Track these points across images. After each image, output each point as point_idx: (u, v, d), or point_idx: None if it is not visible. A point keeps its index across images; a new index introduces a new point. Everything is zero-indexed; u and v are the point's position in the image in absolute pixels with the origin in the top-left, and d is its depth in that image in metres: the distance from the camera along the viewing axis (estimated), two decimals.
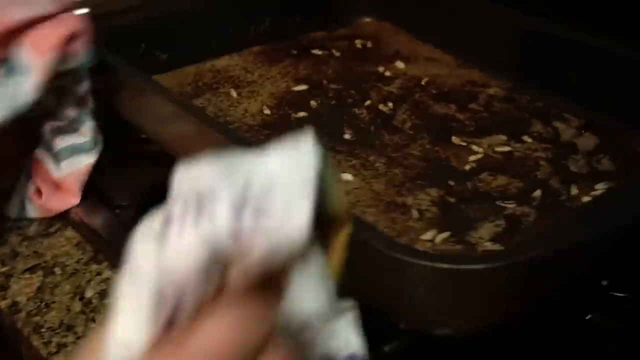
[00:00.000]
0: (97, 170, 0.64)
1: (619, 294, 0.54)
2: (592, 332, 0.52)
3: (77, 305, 0.55)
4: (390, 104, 0.66)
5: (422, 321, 0.45)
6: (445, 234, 0.52)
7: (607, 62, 0.65)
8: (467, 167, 0.59)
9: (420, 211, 0.54)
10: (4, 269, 0.58)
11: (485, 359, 0.50)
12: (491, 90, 0.69)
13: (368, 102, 0.67)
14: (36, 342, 0.52)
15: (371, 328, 0.47)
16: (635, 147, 0.62)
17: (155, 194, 0.60)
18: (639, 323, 0.53)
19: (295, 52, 0.74)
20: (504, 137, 0.62)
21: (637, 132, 0.62)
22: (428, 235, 0.52)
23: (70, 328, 0.53)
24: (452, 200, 0.55)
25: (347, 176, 0.57)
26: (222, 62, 0.72)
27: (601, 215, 0.45)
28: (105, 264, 0.58)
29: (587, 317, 0.53)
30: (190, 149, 0.57)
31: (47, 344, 0.52)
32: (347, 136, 0.62)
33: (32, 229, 0.61)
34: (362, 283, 0.45)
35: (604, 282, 0.54)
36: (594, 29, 0.66)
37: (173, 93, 0.57)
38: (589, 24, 0.66)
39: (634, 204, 0.46)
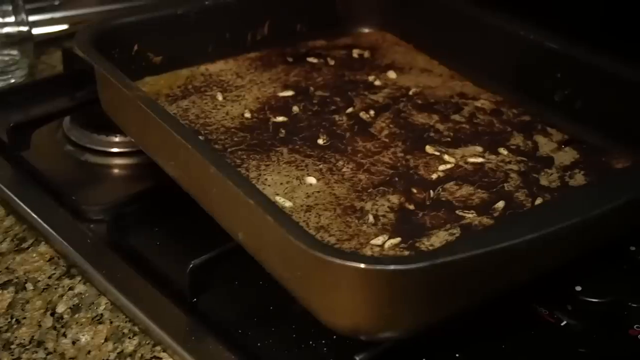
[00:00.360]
0: (70, 185, 0.65)
1: (592, 300, 0.53)
2: (566, 338, 0.52)
3: (48, 321, 0.55)
4: (372, 112, 0.66)
5: (351, 324, 0.44)
6: (395, 240, 0.51)
7: (599, 79, 0.64)
8: (434, 176, 0.58)
9: (376, 217, 0.54)
10: None
11: None
12: (479, 103, 0.68)
13: (350, 110, 0.67)
14: (6, 358, 0.53)
15: (341, 338, 0.47)
16: (614, 164, 0.60)
17: (128, 209, 0.62)
18: (613, 328, 0.53)
19: (290, 59, 0.75)
20: (479, 149, 0.62)
21: (619, 150, 0.61)
22: (378, 240, 0.51)
23: (40, 344, 0.53)
24: (410, 207, 0.55)
25: (311, 180, 0.57)
26: (217, 66, 0.73)
27: (528, 220, 0.44)
28: (78, 278, 0.59)
29: (563, 324, 0.52)
30: (162, 152, 0.58)
31: None
32: (320, 141, 0.62)
33: (4, 245, 0.62)
34: (300, 288, 0.46)
35: (578, 288, 0.53)
36: (593, 45, 0.65)
37: (143, 94, 0.58)
38: (589, 41, 0.65)
39: (565, 211, 0.45)
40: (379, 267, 0.40)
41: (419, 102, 0.68)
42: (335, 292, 0.43)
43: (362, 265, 0.40)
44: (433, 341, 0.50)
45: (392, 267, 0.40)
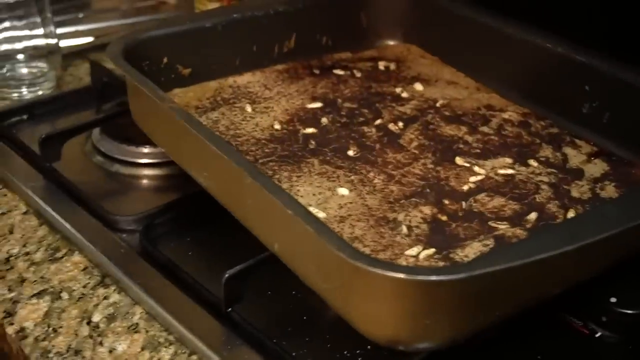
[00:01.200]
0: (101, 195, 0.66)
1: (627, 311, 0.53)
2: (600, 349, 0.53)
3: (84, 330, 0.56)
4: (401, 124, 0.67)
5: (390, 334, 0.45)
6: (430, 251, 0.52)
7: (627, 92, 0.64)
8: (466, 188, 0.58)
9: (409, 227, 0.54)
10: (11, 294, 0.59)
11: None
12: (506, 115, 0.68)
13: (379, 122, 0.67)
14: None
15: (377, 348, 0.48)
16: None
17: (160, 219, 0.63)
18: None
19: (317, 71, 0.75)
20: (509, 160, 0.62)
21: None
22: (412, 251, 0.52)
23: (78, 352, 0.54)
24: (443, 218, 0.55)
25: (343, 191, 0.58)
26: (245, 78, 0.73)
27: (564, 232, 0.45)
28: (112, 288, 0.59)
29: (597, 335, 0.52)
30: (195, 162, 0.59)
31: None
32: (350, 153, 0.62)
33: (38, 255, 0.63)
34: (337, 298, 0.46)
35: (613, 300, 0.53)
36: (620, 58, 0.65)
37: (176, 105, 0.59)
38: (617, 54, 0.65)
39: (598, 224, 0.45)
40: (419, 277, 0.41)
41: (447, 114, 0.68)
42: (374, 302, 0.43)
43: (403, 276, 0.41)
44: (468, 352, 0.50)
45: (433, 277, 0.40)
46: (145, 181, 0.71)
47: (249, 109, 0.68)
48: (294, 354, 0.52)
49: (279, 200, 0.47)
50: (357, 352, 0.52)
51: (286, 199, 0.47)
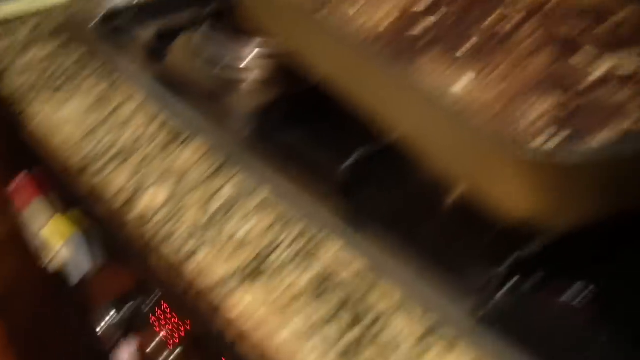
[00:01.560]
0: (210, 91, 0.66)
1: None
2: None
3: (207, 213, 0.56)
4: (517, 18, 0.64)
5: (524, 213, 0.44)
6: (554, 142, 0.50)
7: None
8: (590, 80, 0.56)
9: (532, 120, 0.52)
10: (130, 183, 0.60)
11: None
12: (632, 8, 0.65)
13: (493, 16, 0.64)
14: (166, 250, 0.54)
15: (497, 235, 0.47)
16: None
17: (274, 109, 0.62)
18: None
19: None
20: (635, 53, 0.59)
21: None
22: (538, 141, 0.50)
23: (199, 237, 0.54)
24: (567, 110, 0.53)
25: (461, 84, 0.56)
26: None
27: None
28: (232, 172, 0.60)
29: None
30: (317, 51, 0.58)
31: (177, 252, 0.53)
32: (463, 50, 0.60)
33: (155, 144, 0.63)
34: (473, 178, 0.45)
35: None
36: None
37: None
38: None
39: None
40: (556, 159, 0.39)
41: (568, 7, 0.65)
42: (512, 183, 0.42)
43: (540, 158, 0.40)
44: (597, 237, 0.49)
45: (571, 159, 0.39)
46: (250, 78, 0.71)
47: (354, 8, 0.67)
48: (414, 240, 0.51)
49: (417, 82, 0.46)
50: (478, 238, 0.51)
51: (423, 84, 0.46)
